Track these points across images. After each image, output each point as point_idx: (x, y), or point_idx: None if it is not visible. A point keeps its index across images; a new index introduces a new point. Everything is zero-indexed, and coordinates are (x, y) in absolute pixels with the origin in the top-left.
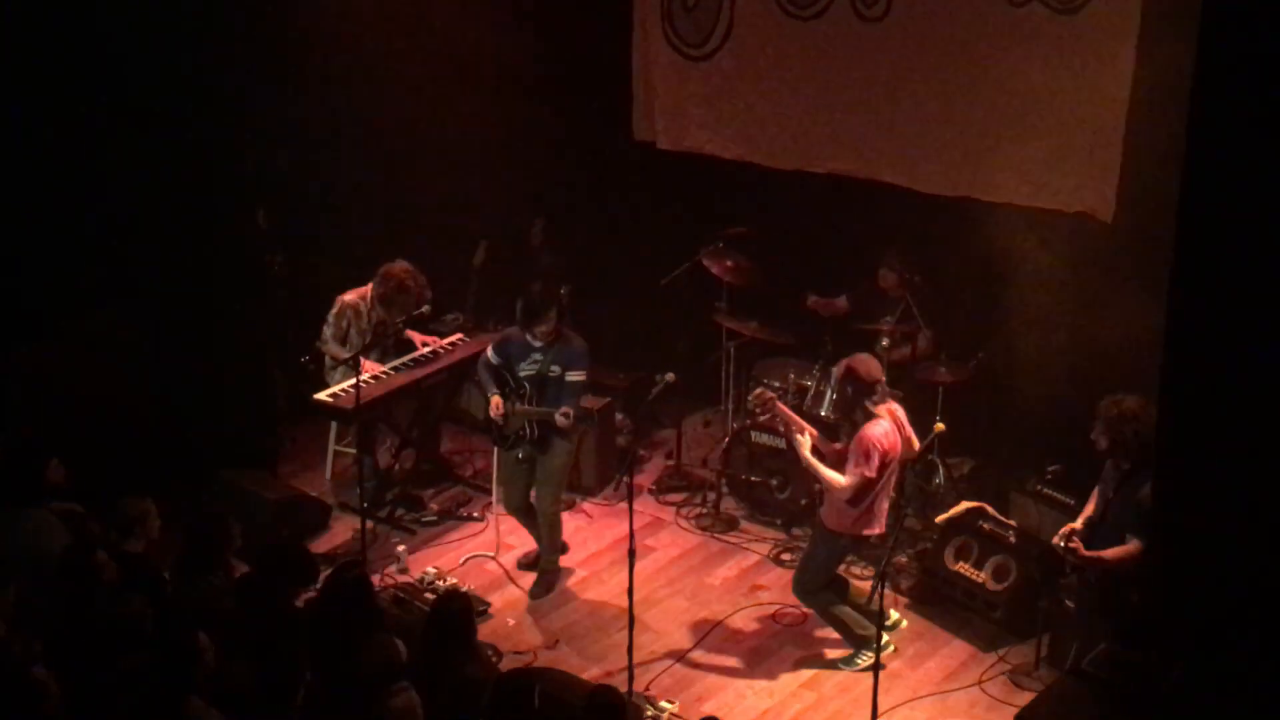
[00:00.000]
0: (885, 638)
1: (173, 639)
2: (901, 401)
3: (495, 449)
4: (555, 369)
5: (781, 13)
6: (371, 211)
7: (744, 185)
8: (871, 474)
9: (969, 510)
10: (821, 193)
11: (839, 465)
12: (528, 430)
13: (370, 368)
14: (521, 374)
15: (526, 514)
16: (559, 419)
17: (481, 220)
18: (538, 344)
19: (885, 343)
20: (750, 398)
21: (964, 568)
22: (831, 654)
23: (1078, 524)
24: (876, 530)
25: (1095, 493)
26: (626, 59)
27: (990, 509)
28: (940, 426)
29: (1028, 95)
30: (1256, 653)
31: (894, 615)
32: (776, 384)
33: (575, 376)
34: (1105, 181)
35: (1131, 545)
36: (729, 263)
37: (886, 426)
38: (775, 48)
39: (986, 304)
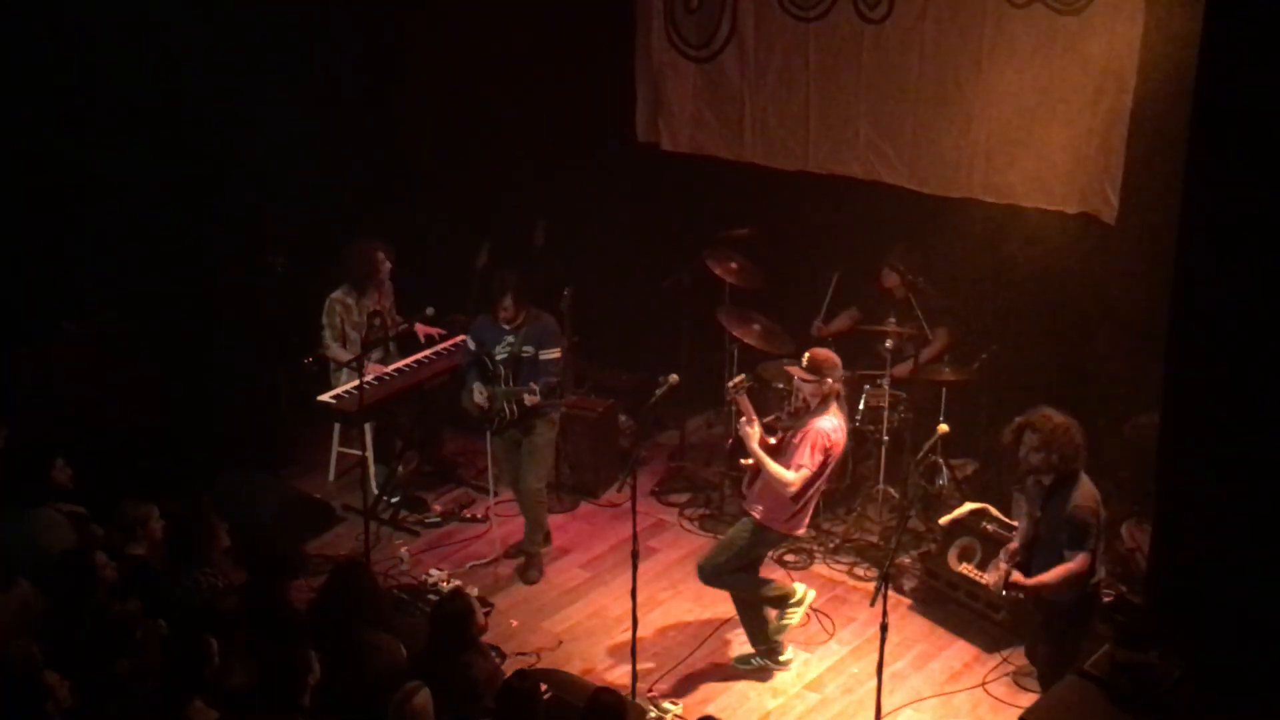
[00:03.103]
0: (810, 595)
1: (180, 641)
2: (905, 402)
3: (488, 435)
4: (528, 349)
5: (784, 14)
6: (375, 212)
7: (747, 186)
8: (813, 467)
9: (972, 511)
10: (824, 194)
11: (776, 458)
12: (508, 411)
13: (374, 370)
14: (497, 357)
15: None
16: (526, 398)
17: (484, 221)
18: (508, 326)
19: (889, 344)
20: (732, 383)
21: (967, 569)
22: (838, 654)
23: (1013, 546)
24: (803, 530)
25: (1023, 517)
26: (629, 60)
27: (994, 510)
28: (944, 428)
29: (1030, 96)
30: (1257, 653)
31: (799, 590)
32: (779, 384)
33: (548, 355)
34: (1108, 183)
35: (1074, 562)
36: (732, 264)
37: (836, 422)
38: (778, 49)
39: (990, 305)
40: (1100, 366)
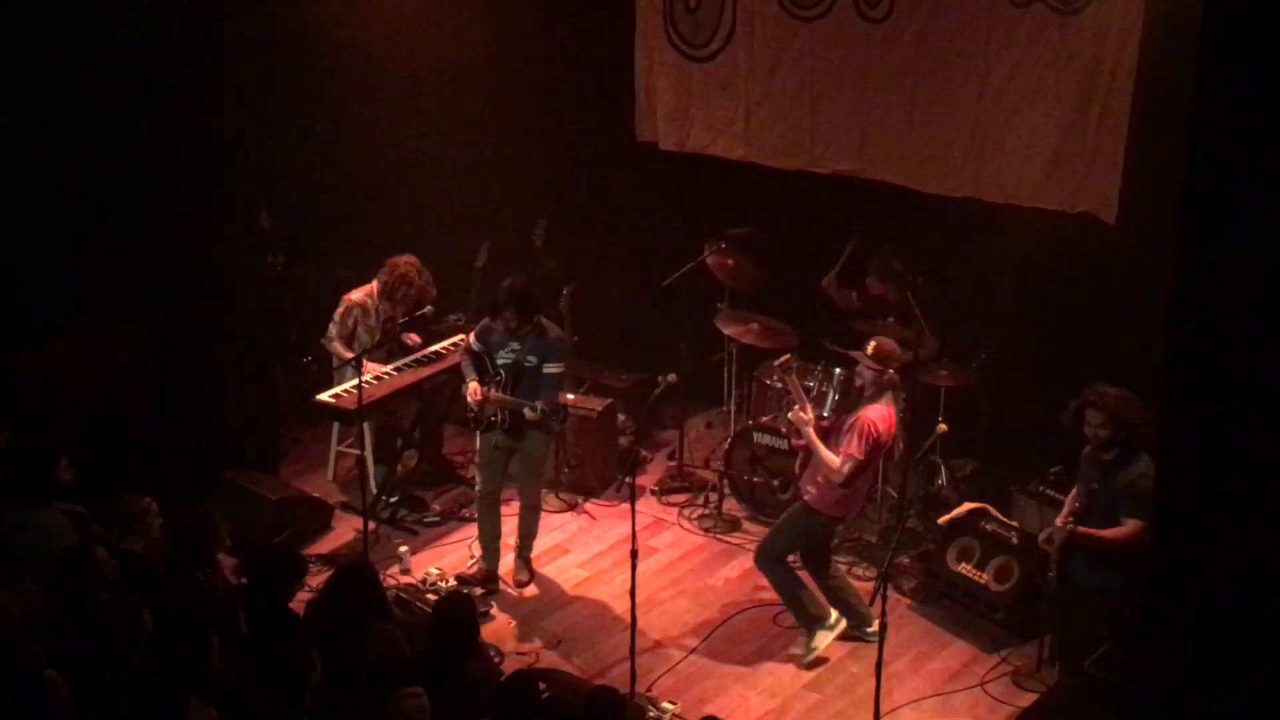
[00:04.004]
0: (841, 624)
1: (179, 637)
2: (904, 402)
3: (476, 434)
4: (532, 359)
5: (784, 13)
6: (374, 212)
7: (746, 186)
8: (860, 455)
9: (971, 511)
10: (824, 194)
11: (826, 441)
12: (500, 417)
13: (372, 368)
14: (499, 362)
15: (492, 504)
16: (526, 412)
17: (484, 221)
18: (515, 332)
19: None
20: (778, 362)
21: (966, 569)
22: (837, 654)
23: (1060, 523)
24: (851, 514)
25: (1074, 492)
26: (629, 60)
27: (992, 510)
28: (942, 428)
29: (1030, 96)
30: (1257, 653)
31: (832, 615)
32: (779, 384)
33: (552, 369)
34: (1108, 182)
35: (1130, 526)
36: (731, 263)
37: (885, 411)
38: (778, 48)
39: (988, 305)
40: (1101, 367)
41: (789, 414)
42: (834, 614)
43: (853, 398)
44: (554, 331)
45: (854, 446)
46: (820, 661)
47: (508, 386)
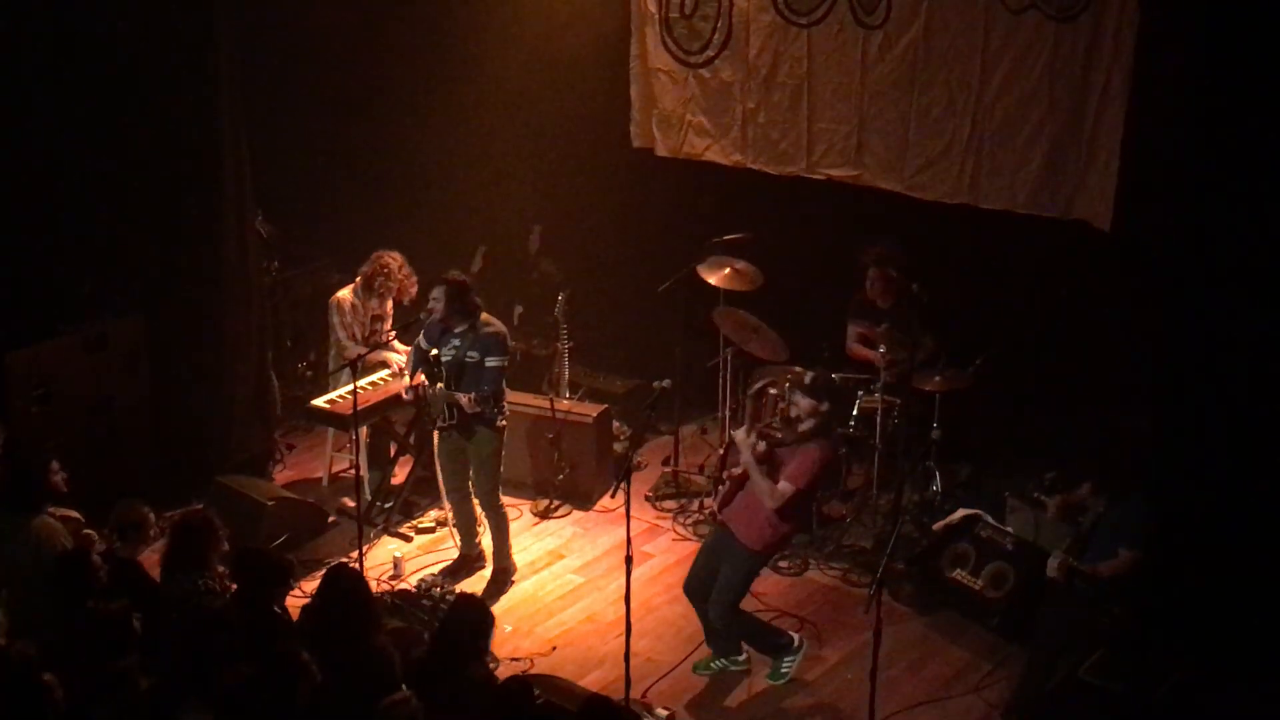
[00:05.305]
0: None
1: (175, 642)
2: (898, 408)
3: (434, 433)
4: (473, 355)
5: (781, 19)
6: (370, 218)
7: (742, 192)
8: (801, 486)
9: (966, 517)
10: (820, 199)
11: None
12: (447, 413)
13: (392, 358)
14: (443, 358)
15: (462, 496)
16: (461, 400)
17: (479, 226)
18: (456, 329)
19: (883, 349)
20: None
21: (961, 575)
22: (831, 660)
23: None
24: (773, 553)
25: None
26: (625, 66)
27: (987, 516)
28: (937, 433)
29: (1026, 102)
30: (1257, 654)
31: (795, 638)
32: (773, 389)
33: (493, 362)
34: (1103, 189)
35: (1125, 558)
36: (727, 269)
37: (828, 454)
38: (774, 54)
39: (984, 311)
40: (1094, 371)
41: (737, 435)
42: (796, 637)
43: (791, 429)
44: (495, 326)
45: (797, 476)
46: (815, 667)
47: (450, 383)
